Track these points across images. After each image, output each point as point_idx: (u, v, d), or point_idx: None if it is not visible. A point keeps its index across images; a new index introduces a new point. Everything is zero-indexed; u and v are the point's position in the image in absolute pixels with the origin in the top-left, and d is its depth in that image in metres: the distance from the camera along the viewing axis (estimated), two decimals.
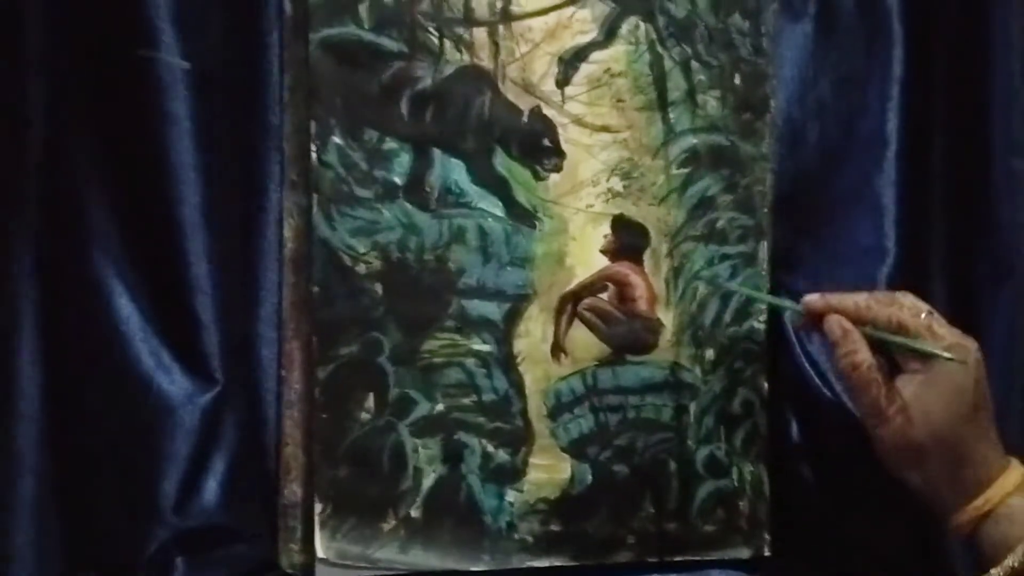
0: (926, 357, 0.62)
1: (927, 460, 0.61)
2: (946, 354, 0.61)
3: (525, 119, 0.72)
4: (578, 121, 0.73)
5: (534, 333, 0.72)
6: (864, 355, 0.62)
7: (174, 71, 0.68)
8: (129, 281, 0.68)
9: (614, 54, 0.73)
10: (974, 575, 0.63)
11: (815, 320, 0.65)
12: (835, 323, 0.63)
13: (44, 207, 0.68)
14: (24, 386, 0.67)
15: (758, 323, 0.76)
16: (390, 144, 0.70)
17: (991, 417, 0.62)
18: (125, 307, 0.68)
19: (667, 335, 0.74)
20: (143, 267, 0.68)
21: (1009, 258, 0.78)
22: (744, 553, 0.75)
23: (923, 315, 0.63)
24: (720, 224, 0.75)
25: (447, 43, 0.70)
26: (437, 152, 0.70)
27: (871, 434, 0.63)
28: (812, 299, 0.65)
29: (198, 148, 0.68)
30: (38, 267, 0.67)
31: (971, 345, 0.62)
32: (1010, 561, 0.60)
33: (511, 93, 0.72)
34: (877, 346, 0.63)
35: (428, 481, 0.70)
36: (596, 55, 0.73)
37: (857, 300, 0.64)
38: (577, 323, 0.73)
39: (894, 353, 0.63)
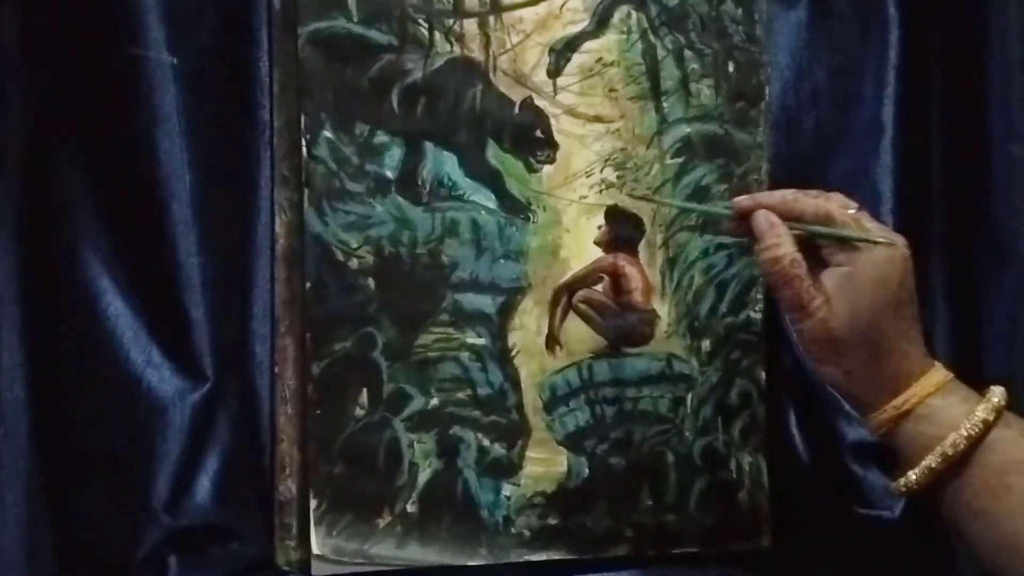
0: (852, 250, 0.60)
1: (848, 354, 0.59)
2: (874, 237, 0.60)
3: (517, 110, 0.71)
4: (570, 112, 0.72)
5: (529, 326, 0.71)
6: (786, 248, 0.60)
7: (162, 67, 0.67)
8: (118, 279, 0.68)
9: (606, 43, 0.73)
10: (893, 475, 0.61)
11: (745, 221, 0.63)
12: (761, 217, 0.62)
13: (31, 205, 0.67)
14: (11, 387, 0.67)
15: (755, 313, 0.75)
16: (381, 138, 0.69)
17: (916, 316, 0.61)
18: (114, 305, 0.67)
19: (663, 326, 0.73)
20: (132, 265, 0.68)
21: (1008, 245, 0.77)
22: (744, 545, 0.74)
23: (852, 210, 0.61)
24: None
25: (437, 35, 0.70)
26: (429, 145, 0.70)
27: (794, 330, 0.61)
28: (740, 199, 0.63)
29: (187, 144, 0.68)
30: (25, 265, 0.67)
31: (899, 240, 0.61)
32: (928, 461, 0.58)
33: (503, 84, 0.71)
34: (805, 242, 0.61)
35: (424, 476, 0.70)
36: (588, 45, 0.72)
37: (784, 194, 0.63)
38: (572, 316, 0.72)
39: (821, 247, 0.61)
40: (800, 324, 0.60)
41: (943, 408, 0.59)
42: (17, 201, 0.67)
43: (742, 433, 0.75)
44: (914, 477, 0.59)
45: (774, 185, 0.75)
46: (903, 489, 0.60)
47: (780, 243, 0.61)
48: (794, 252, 0.60)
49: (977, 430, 0.58)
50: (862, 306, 0.59)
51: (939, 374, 0.60)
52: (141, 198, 0.68)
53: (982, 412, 0.58)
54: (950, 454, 0.58)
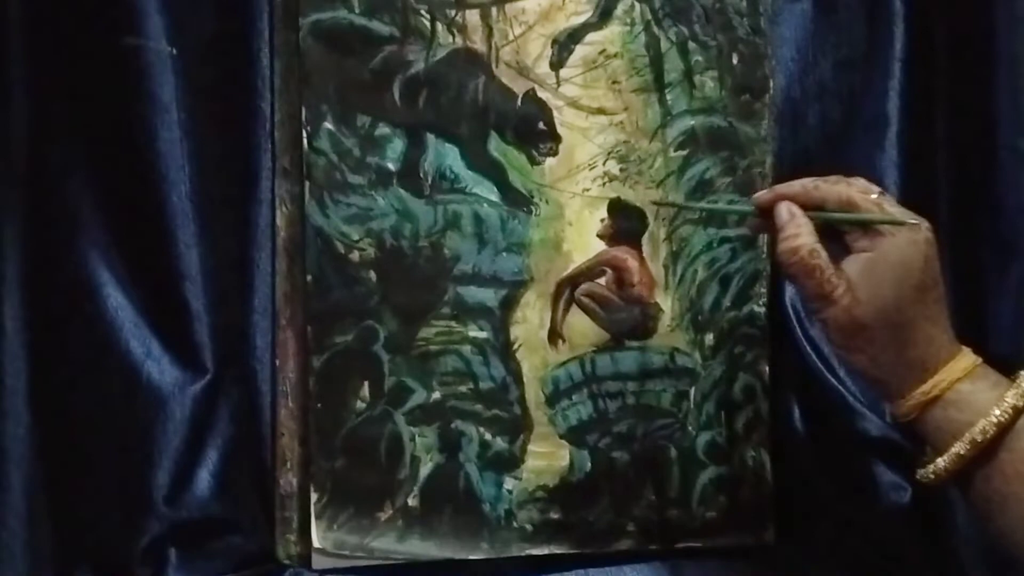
0: (875, 235, 0.59)
1: (874, 340, 0.58)
2: (899, 218, 0.59)
3: (520, 103, 0.71)
4: (573, 104, 0.72)
5: (531, 319, 0.71)
6: (806, 239, 0.59)
7: (162, 58, 0.67)
8: (118, 271, 0.67)
9: (609, 35, 0.72)
10: (920, 461, 0.60)
11: (767, 215, 0.62)
12: (783, 208, 0.61)
13: (31, 197, 0.67)
14: (12, 379, 0.67)
15: (758, 307, 0.75)
16: (383, 130, 0.69)
17: (942, 300, 0.60)
18: (114, 297, 0.67)
19: (666, 320, 0.73)
20: (133, 257, 0.68)
21: (1015, 240, 0.76)
22: (747, 539, 0.74)
23: (874, 195, 0.60)
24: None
25: (439, 26, 0.69)
26: (431, 137, 0.70)
27: (817, 319, 0.61)
28: (760, 194, 0.63)
29: (188, 136, 0.68)
30: (26, 256, 0.67)
31: (923, 223, 0.60)
32: (957, 448, 0.57)
33: (505, 76, 0.71)
34: (827, 231, 0.61)
35: (425, 470, 0.69)
36: (591, 36, 0.72)
37: (805, 183, 0.62)
38: (575, 309, 0.72)
39: (844, 234, 0.60)
40: (824, 313, 0.60)
41: (972, 394, 0.58)
42: (18, 193, 0.67)
43: (745, 427, 0.74)
44: (943, 464, 0.58)
45: (778, 179, 0.75)
46: (931, 476, 0.59)
47: (799, 233, 0.60)
48: (813, 242, 0.59)
49: (1007, 416, 0.57)
50: (886, 291, 0.58)
51: (967, 359, 0.59)
52: (141, 190, 0.68)
53: (1012, 398, 0.57)
54: (979, 441, 0.57)
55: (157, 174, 0.68)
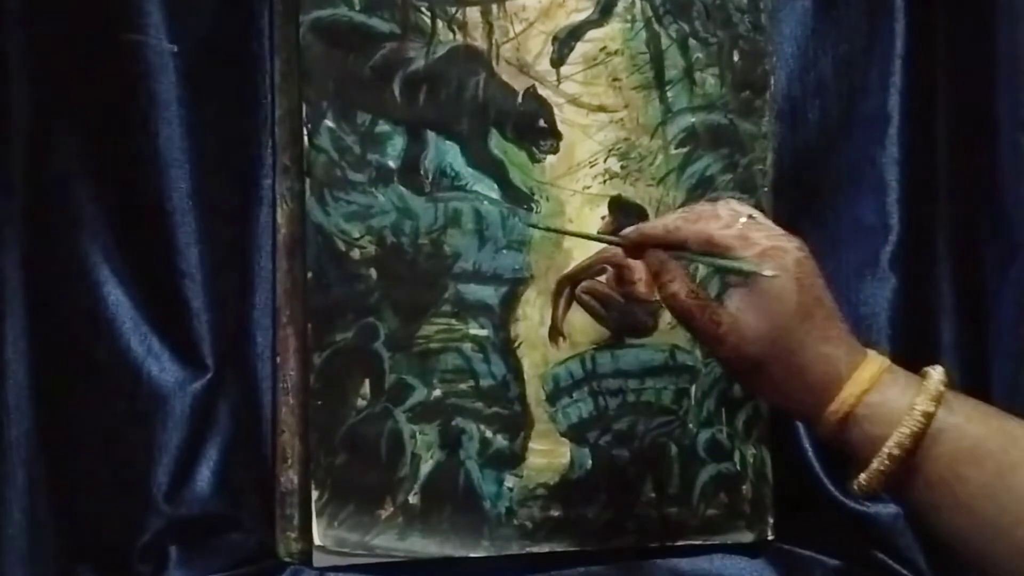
0: (738, 273, 0.58)
1: (770, 373, 0.57)
2: (746, 266, 0.57)
3: (520, 100, 0.71)
4: (574, 101, 0.72)
5: (532, 317, 0.71)
6: (678, 285, 0.59)
7: (163, 54, 0.67)
8: (118, 268, 0.67)
9: (610, 32, 0.72)
10: (848, 477, 0.58)
11: (636, 255, 0.62)
12: (651, 256, 0.61)
13: (32, 193, 0.67)
14: (14, 375, 0.67)
15: None
16: (383, 127, 0.69)
17: (832, 316, 0.58)
18: (114, 294, 0.67)
19: (667, 318, 0.73)
20: (133, 253, 0.68)
21: (1016, 237, 0.76)
22: (747, 537, 0.74)
23: (740, 222, 0.59)
24: None
25: (440, 23, 0.69)
26: (431, 135, 0.69)
27: (715, 359, 0.59)
28: (627, 231, 0.62)
29: (188, 133, 0.68)
30: (26, 254, 0.67)
31: (789, 245, 0.58)
32: (875, 465, 0.56)
33: (505, 73, 0.71)
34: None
35: (426, 467, 0.69)
36: (591, 33, 0.72)
37: (667, 223, 0.60)
38: (575, 307, 0.72)
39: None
40: (717, 353, 0.59)
41: (882, 404, 0.56)
42: (19, 190, 0.67)
43: (745, 425, 0.74)
44: (865, 480, 0.57)
45: (779, 175, 0.75)
46: (859, 489, 0.58)
47: (672, 279, 0.60)
48: (688, 284, 0.59)
49: (920, 425, 0.55)
50: (765, 323, 0.57)
51: (871, 367, 0.57)
52: (142, 187, 0.68)
53: (921, 404, 0.56)
54: (896, 454, 0.56)
55: (157, 171, 0.67)
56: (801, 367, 0.57)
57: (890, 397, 0.57)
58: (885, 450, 0.56)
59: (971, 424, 0.56)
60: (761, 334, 0.57)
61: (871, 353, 0.59)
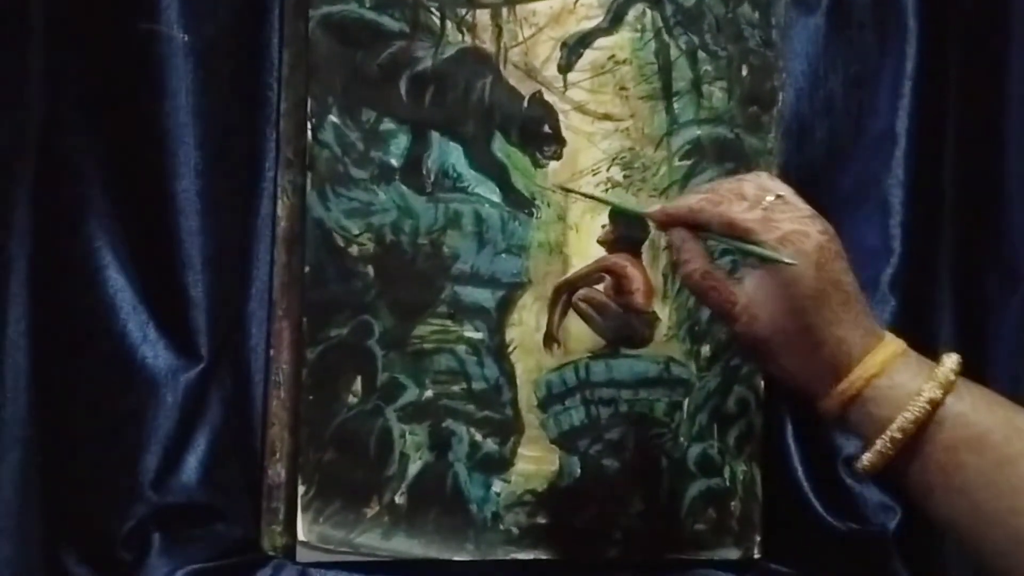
0: (756, 258, 0.58)
1: (779, 352, 0.58)
2: (764, 251, 0.57)
3: (526, 104, 0.71)
4: (580, 108, 0.71)
5: (527, 322, 0.71)
6: (695, 264, 0.60)
7: (173, 44, 0.67)
8: (121, 253, 0.68)
9: (619, 41, 0.72)
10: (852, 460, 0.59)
11: (663, 228, 0.63)
12: (674, 234, 0.61)
13: (39, 178, 0.67)
14: (12, 356, 0.67)
15: None
16: (388, 125, 0.69)
17: (850, 300, 0.58)
18: (115, 279, 0.67)
19: (663, 329, 0.73)
20: (135, 239, 0.68)
21: (1020, 263, 0.76)
22: (733, 554, 0.73)
23: (765, 202, 0.59)
24: None
25: (449, 24, 0.69)
26: (435, 135, 0.69)
27: (729, 334, 0.60)
28: (652, 209, 0.62)
29: (194, 122, 0.68)
30: (31, 237, 0.67)
31: (812, 229, 0.58)
32: (878, 446, 0.57)
33: (512, 77, 0.70)
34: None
35: (414, 468, 0.69)
36: (601, 41, 0.72)
37: (691, 204, 0.61)
38: (572, 314, 0.71)
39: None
40: (730, 328, 0.60)
41: (891, 389, 0.57)
42: (28, 174, 0.67)
43: (737, 441, 0.74)
44: (868, 459, 0.58)
45: None
46: (861, 470, 0.58)
47: (689, 258, 0.60)
48: (704, 265, 0.60)
49: (924, 411, 0.56)
50: (779, 305, 0.58)
51: (885, 351, 0.58)
52: (147, 174, 0.68)
53: (928, 391, 0.56)
54: (899, 438, 0.56)
55: (164, 160, 0.68)
56: (812, 348, 0.58)
57: (899, 382, 0.57)
58: (888, 433, 0.57)
59: (977, 413, 0.57)
60: (774, 316, 0.58)
61: (888, 337, 0.59)
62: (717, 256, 0.65)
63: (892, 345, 0.59)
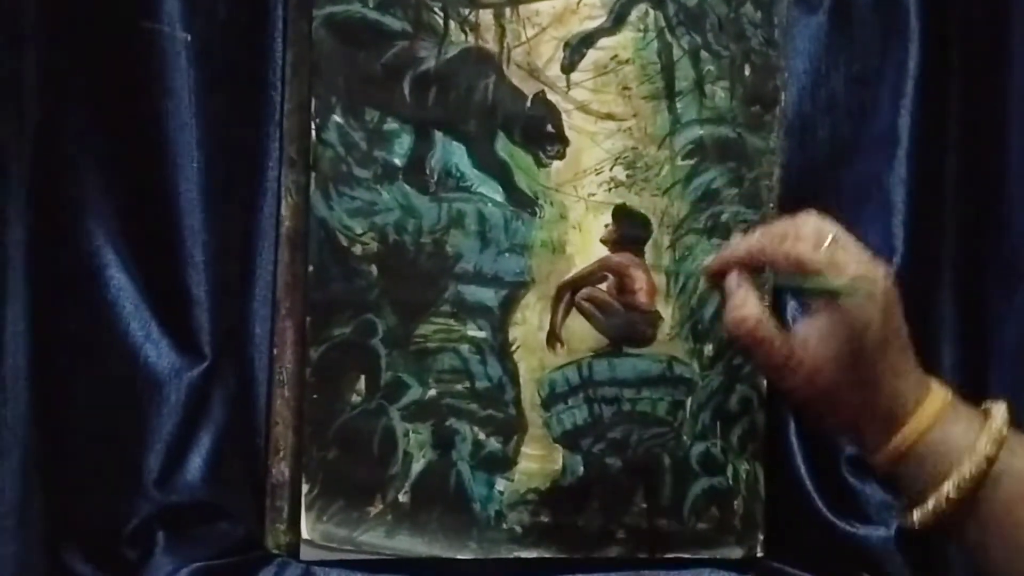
0: (830, 294, 0.56)
1: (839, 405, 0.56)
2: (844, 287, 0.55)
3: (529, 104, 0.71)
4: (583, 108, 0.72)
5: (531, 321, 0.71)
6: (749, 310, 0.57)
7: (175, 43, 0.67)
8: (123, 252, 0.68)
9: (622, 41, 0.72)
10: (900, 511, 0.58)
11: (718, 283, 0.60)
12: (731, 280, 0.59)
13: (40, 176, 0.67)
14: (12, 356, 0.67)
15: None
16: (391, 125, 0.69)
17: (906, 348, 0.57)
18: (117, 278, 0.67)
19: (666, 328, 0.73)
20: (137, 239, 0.68)
21: (1022, 261, 0.76)
22: (736, 553, 0.73)
23: (826, 243, 0.56)
24: (724, 218, 0.73)
25: (452, 24, 0.69)
26: (438, 134, 0.70)
27: (779, 389, 0.58)
28: (708, 262, 0.60)
29: (197, 122, 0.68)
30: (31, 235, 0.67)
31: (878, 273, 0.56)
32: (931, 504, 0.55)
33: (515, 77, 0.71)
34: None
35: (417, 466, 0.69)
36: (603, 41, 0.72)
37: (751, 246, 0.58)
38: (574, 313, 0.72)
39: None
40: (783, 384, 0.58)
41: (943, 444, 0.56)
42: (28, 171, 0.68)
43: (740, 440, 0.74)
44: (919, 517, 0.56)
45: (785, 191, 0.75)
46: (910, 527, 0.57)
47: (744, 303, 0.58)
48: (758, 313, 0.57)
49: (980, 469, 0.55)
50: (846, 353, 0.56)
51: (935, 402, 0.57)
52: (149, 173, 0.68)
53: (983, 447, 0.55)
54: (954, 497, 0.55)
55: (166, 159, 0.68)
56: (870, 400, 0.56)
57: (952, 435, 0.56)
58: (943, 490, 0.55)
59: None
60: (838, 365, 0.56)
61: (934, 385, 0.58)
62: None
63: (941, 394, 0.57)
